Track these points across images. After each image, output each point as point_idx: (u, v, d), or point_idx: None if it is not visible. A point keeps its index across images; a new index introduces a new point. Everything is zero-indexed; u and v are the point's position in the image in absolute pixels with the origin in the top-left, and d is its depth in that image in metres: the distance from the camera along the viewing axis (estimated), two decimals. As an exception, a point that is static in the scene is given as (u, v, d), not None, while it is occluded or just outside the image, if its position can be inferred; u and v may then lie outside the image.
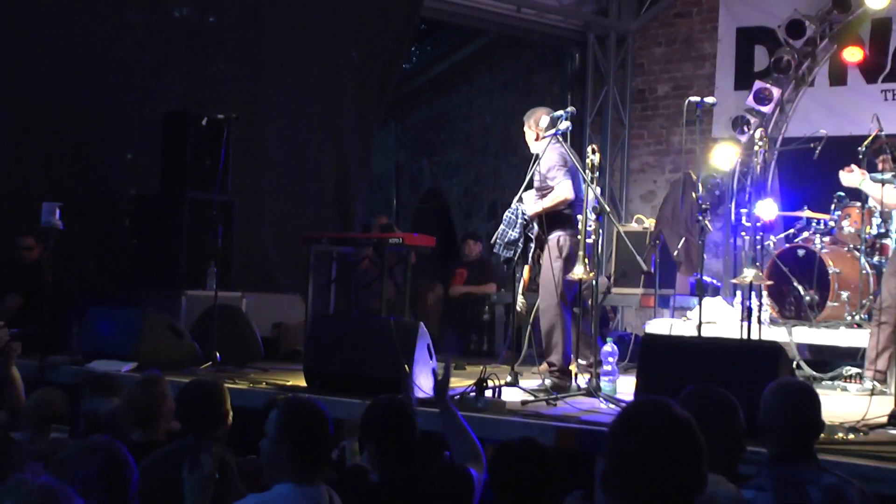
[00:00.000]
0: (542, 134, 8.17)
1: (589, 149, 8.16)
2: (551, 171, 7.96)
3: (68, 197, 9.57)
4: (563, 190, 7.85)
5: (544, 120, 8.15)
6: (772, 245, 9.70)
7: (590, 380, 7.65)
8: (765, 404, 4.03)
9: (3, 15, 9.92)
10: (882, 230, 9.21)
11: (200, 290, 9.52)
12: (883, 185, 8.53)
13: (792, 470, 3.81)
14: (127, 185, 10.51)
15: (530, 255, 8.23)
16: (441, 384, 5.19)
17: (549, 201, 7.98)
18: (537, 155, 8.20)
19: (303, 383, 7.64)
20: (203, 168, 9.77)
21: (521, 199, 8.23)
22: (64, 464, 3.79)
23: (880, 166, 9.44)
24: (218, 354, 8.55)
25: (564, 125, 7.98)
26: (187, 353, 8.53)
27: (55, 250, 9.17)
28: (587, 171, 7.82)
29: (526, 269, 8.38)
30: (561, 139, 8.08)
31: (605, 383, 7.59)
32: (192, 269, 9.69)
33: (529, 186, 8.20)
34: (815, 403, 4.05)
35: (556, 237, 7.98)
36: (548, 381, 7.97)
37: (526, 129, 8.42)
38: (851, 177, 8.62)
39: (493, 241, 8.59)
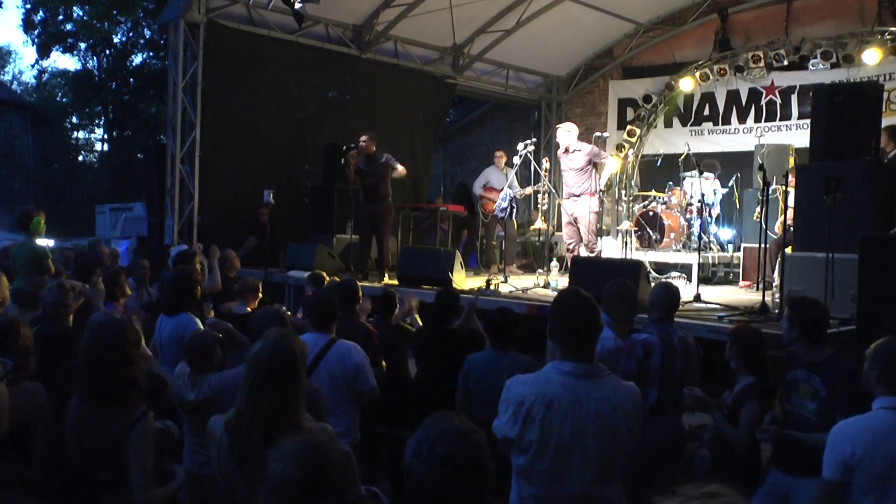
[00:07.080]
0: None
1: (544, 160, 8.07)
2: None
3: (278, 187, 9.57)
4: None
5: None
6: (637, 209, 9.50)
7: (546, 279, 7.60)
8: (652, 293, 3.85)
9: (250, 97, 9.85)
10: (692, 202, 9.05)
11: (343, 234, 9.42)
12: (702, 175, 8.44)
13: (665, 326, 3.69)
14: (306, 181, 10.27)
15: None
16: (472, 302, 5.04)
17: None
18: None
19: (395, 282, 7.52)
20: (344, 171, 9.55)
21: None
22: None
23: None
24: (352, 267, 8.46)
25: (531, 148, 7.79)
26: (337, 267, 8.48)
27: (272, 214, 9.16)
28: (543, 171, 7.71)
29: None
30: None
31: (551, 280, 7.49)
32: (338, 223, 9.56)
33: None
34: (677, 293, 3.88)
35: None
36: (510, 277, 7.86)
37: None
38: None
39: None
